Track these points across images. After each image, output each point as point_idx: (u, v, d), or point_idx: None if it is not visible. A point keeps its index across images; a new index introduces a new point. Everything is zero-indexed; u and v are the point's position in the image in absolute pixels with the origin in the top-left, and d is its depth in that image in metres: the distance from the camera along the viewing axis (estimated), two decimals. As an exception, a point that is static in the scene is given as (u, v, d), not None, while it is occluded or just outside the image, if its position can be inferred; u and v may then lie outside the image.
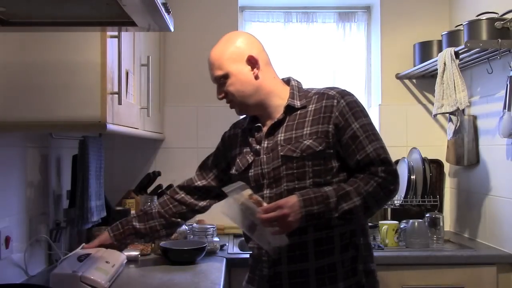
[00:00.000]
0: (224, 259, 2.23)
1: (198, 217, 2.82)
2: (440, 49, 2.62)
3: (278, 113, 1.67)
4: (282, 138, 1.64)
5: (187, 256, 2.13)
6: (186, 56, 2.96)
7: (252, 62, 1.68)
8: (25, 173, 1.87)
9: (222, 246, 2.42)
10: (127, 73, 1.75)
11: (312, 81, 3.08)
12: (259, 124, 1.72)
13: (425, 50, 2.80)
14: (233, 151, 1.79)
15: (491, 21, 2.25)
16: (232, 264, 2.25)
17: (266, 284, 1.65)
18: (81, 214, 1.93)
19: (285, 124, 1.66)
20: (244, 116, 1.85)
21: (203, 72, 2.95)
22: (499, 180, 2.44)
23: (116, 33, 1.49)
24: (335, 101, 1.61)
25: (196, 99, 2.96)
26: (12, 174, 1.78)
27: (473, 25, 2.30)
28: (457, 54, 2.36)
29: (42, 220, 1.99)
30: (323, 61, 3.18)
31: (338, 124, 1.58)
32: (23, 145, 1.87)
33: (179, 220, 1.92)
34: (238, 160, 1.75)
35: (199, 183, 1.91)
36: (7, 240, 1.69)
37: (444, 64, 2.40)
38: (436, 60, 2.48)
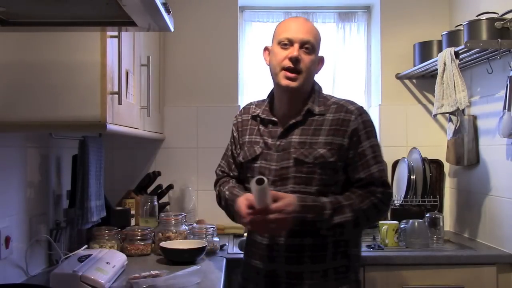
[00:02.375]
0: (224, 259, 2.23)
1: (198, 217, 2.84)
2: (440, 49, 2.62)
3: (298, 113, 1.71)
4: (296, 140, 1.68)
5: (187, 256, 2.13)
6: (186, 56, 2.96)
7: (321, 60, 1.78)
8: (25, 173, 1.87)
9: (222, 246, 2.42)
10: (127, 73, 1.75)
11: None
12: (275, 119, 1.75)
13: (425, 50, 2.80)
14: (243, 138, 1.81)
15: (491, 21, 2.25)
16: (232, 264, 2.25)
17: (263, 279, 1.71)
18: (81, 214, 1.93)
19: (301, 127, 1.69)
20: (254, 102, 1.86)
21: (203, 72, 2.99)
22: (499, 180, 2.44)
23: (116, 33, 1.49)
24: (353, 116, 1.66)
25: (196, 99, 2.97)
26: (12, 174, 1.79)
27: (473, 25, 2.30)
28: (457, 54, 2.36)
29: (42, 220, 1.99)
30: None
31: (351, 138, 1.65)
32: (23, 145, 1.87)
33: None
34: (246, 148, 1.78)
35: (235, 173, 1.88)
36: (7, 240, 1.69)
37: (444, 64, 2.40)
38: (436, 60, 2.48)
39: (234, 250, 2.45)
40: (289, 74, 1.66)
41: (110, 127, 1.49)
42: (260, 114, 1.78)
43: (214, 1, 2.98)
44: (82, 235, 2.22)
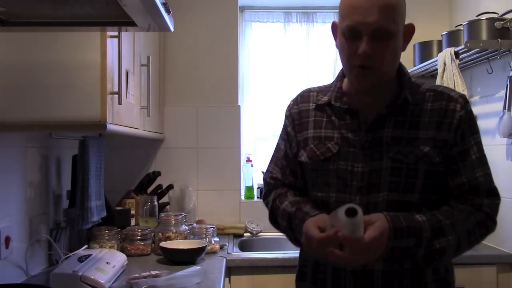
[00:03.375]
0: (224, 259, 2.23)
1: (198, 217, 2.84)
2: (440, 49, 2.62)
3: (385, 102, 1.32)
4: (389, 135, 1.30)
5: (187, 256, 2.13)
6: (186, 56, 2.96)
7: (410, 30, 1.32)
8: (25, 173, 1.87)
9: (222, 246, 2.42)
10: (127, 73, 1.75)
11: (312, 81, 3.08)
12: (355, 108, 1.35)
13: (425, 50, 2.80)
14: (304, 133, 1.41)
15: (491, 21, 2.25)
16: (232, 264, 2.25)
17: None
18: (81, 214, 1.93)
19: (394, 118, 1.31)
20: (314, 88, 1.48)
21: (203, 72, 2.99)
22: (499, 180, 2.41)
23: (116, 33, 1.49)
24: (459, 106, 1.31)
25: (196, 99, 2.96)
26: (12, 174, 1.78)
27: (473, 25, 2.30)
28: (457, 54, 2.36)
29: (42, 220, 1.99)
30: (323, 61, 3.18)
31: (456, 132, 1.29)
32: (23, 145, 1.87)
33: None
34: (312, 145, 1.38)
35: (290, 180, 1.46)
36: (7, 240, 1.69)
37: (444, 64, 2.40)
38: (436, 60, 2.48)
39: (234, 250, 2.46)
40: (361, 73, 1.27)
41: (110, 127, 1.49)
42: (332, 102, 1.38)
43: (214, 1, 2.98)
44: (82, 235, 2.22)
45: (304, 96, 1.47)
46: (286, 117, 1.48)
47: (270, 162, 1.52)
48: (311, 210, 1.31)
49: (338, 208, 1.14)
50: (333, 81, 1.44)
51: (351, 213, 1.12)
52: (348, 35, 1.25)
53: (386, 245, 1.16)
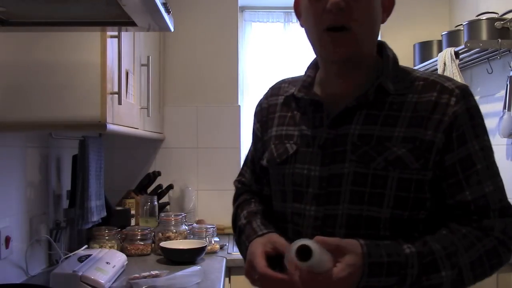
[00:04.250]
0: (224, 259, 2.23)
1: (198, 217, 2.84)
2: (440, 49, 2.62)
3: (356, 91, 1.06)
4: (357, 132, 1.04)
5: (187, 256, 2.13)
6: (186, 56, 2.96)
7: (389, 1, 1.14)
8: (25, 173, 1.87)
9: (222, 246, 2.42)
10: (127, 73, 1.75)
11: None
12: (319, 99, 1.10)
13: (425, 50, 2.80)
14: (269, 131, 1.19)
15: (491, 21, 2.25)
16: (232, 264, 2.25)
17: None
18: (81, 214, 1.93)
19: (365, 112, 1.04)
20: (288, 79, 1.25)
21: (203, 72, 2.98)
22: (499, 180, 2.44)
23: (116, 33, 1.49)
24: (453, 99, 1.02)
25: (196, 99, 2.96)
26: (12, 174, 1.78)
27: (473, 25, 2.30)
28: (457, 54, 2.36)
29: (42, 220, 1.99)
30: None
31: (450, 134, 1.00)
32: (23, 145, 1.87)
33: None
34: (273, 146, 1.15)
35: (254, 187, 1.29)
36: (7, 240, 1.69)
37: (444, 64, 2.40)
38: (436, 60, 2.48)
39: (234, 250, 2.45)
40: (333, 37, 1.02)
41: (110, 127, 1.49)
42: (295, 93, 1.14)
43: (214, 1, 2.98)
44: (82, 235, 2.22)
45: (275, 89, 1.24)
46: (255, 115, 1.26)
47: (243, 164, 1.35)
48: (259, 228, 1.10)
49: (292, 244, 0.90)
50: (306, 70, 1.19)
51: (304, 254, 0.87)
52: None
53: (357, 285, 0.93)
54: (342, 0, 0.99)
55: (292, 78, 1.24)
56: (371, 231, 1.00)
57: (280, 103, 1.20)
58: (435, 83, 1.05)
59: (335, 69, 1.09)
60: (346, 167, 1.02)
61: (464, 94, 1.05)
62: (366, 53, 1.08)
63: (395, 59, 1.11)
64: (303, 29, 1.14)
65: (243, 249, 1.15)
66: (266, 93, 1.27)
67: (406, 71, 1.10)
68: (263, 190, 1.23)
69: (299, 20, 1.14)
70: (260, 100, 1.27)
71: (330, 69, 1.11)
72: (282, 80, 1.26)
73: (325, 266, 0.90)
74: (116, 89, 1.54)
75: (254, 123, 1.26)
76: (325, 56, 1.09)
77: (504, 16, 2.27)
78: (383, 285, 0.94)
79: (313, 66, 1.18)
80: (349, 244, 0.94)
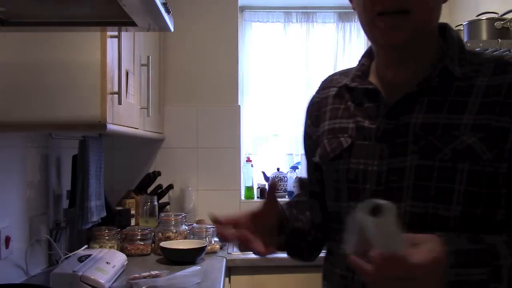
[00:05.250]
0: (224, 259, 2.23)
1: (198, 217, 2.84)
2: (440, 49, 2.62)
3: (417, 78, 0.95)
4: (419, 121, 0.93)
5: (187, 256, 2.13)
6: (186, 56, 2.96)
7: None
8: (25, 173, 1.87)
9: (222, 246, 2.42)
10: (127, 73, 1.75)
11: (312, 81, 3.08)
12: (375, 87, 1.00)
13: (425, 50, 2.80)
14: (321, 125, 1.10)
15: (491, 21, 2.25)
16: (232, 264, 2.25)
17: None
18: (81, 214, 1.93)
19: (428, 99, 0.94)
20: (339, 71, 1.16)
21: (203, 72, 2.99)
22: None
23: (116, 33, 1.49)
24: None
25: (196, 99, 2.96)
26: (12, 174, 1.78)
27: (473, 25, 2.30)
28: (457, 54, 2.36)
29: (42, 220, 1.99)
30: (323, 61, 3.18)
31: None
32: (23, 145, 1.87)
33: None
34: (326, 141, 1.06)
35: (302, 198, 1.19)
36: (7, 240, 1.69)
37: (444, 64, 2.40)
38: (436, 60, 2.48)
39: (234, 250, 2.45)
40: (388, 21, 0.92)
41: (110, 127, 1.49)
42: (348, 83, 1.06)
43: (214, 1, 2.98)
44: (82, 235, 2.22)
45: (326, 82, 1.15)
46: (306, 111, 1.17)
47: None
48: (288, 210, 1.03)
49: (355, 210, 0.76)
50: (360, 58, 1.10)
51: (375, 208, 0.73)
52: None
53: (443, 279, 0.76)
54: None
55: (345, 70, 1.15)
56: (438, 232, 0.82)
57: (332, 95, 1.10)
58: (509, 64, 0.94)
59: (392, 55, 0.99)
60: (408, 160, 0.91)
61: None
62: (428, 38, 0.97)
63: (460, 41, 1.00)
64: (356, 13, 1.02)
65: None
66: (318, 87, 1.17)
67: (474, 53, 1.00)
68: (321, 191, 1.11)
69: (351, 3, 1.03)
70: (312, 96, 1.17)
71: (386, 56, 1.01)
72: (334, 73, 1.18)
73: (401, 243, 0.73)
74: (116, 89, 1.54)
75: (305, 121, 1.16)
76: (381, 42, 0.98)
77: (504, 16, 2.27)
78: (475, 280, 0.79)
79: (367, 54, 1.08)
80: (421, 236, 0.78)
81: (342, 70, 1.15)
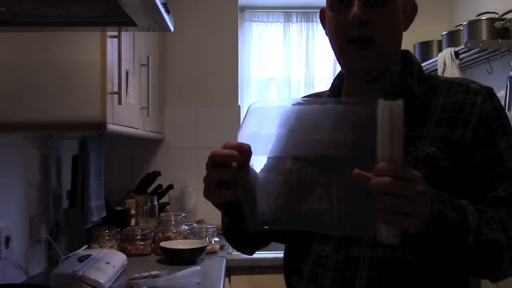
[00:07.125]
0: (224, 259, 2.23)
1: (198, 217, 2.84)
2: (440, 49, 2.62)
3: (385, 95, 1.01)
4: None
5: (187, 256, 2.13)
6: (186, 56, 2.96)
7: (412, 4, 1.18)
8: (25, 173, 1.87)
9: (222, 246, 2.42)
10: (127, 73, 1.75)
11: (312, 81, 3.08)
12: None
13: (425, 50, 2.80)
14: None
15: (491, 21, 2.25)
16: (232, 264, 2.25)
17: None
18: (81, 214, 1.93)
19: None
20: (314, 94, 1.30)
21: (203, 72, 2.99)
22: (499, 180, 2.44)
23: (116, 33, 1.49)
24: (480, 99, 1.05)
25: (196, 99, 2.97)
26: (12, 174, 1.79)
27: (473, 25, 2.30)
28: (457, 54, 2.36)
29: (42, 220, 1.99)
30: (323, 61, 3.18)
31: (478, 132, 1.03)
32: (23, 145, 1.87)
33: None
34: None
35: None
36: (7, 240, 1.69)
37: (444, 64, 2.40)
38: (436, 60, 2.48)
39: (234, 250, 2.45)
40: (356, 48, 1.04)
41: (110, 127, 1.49)
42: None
43: (214, 1, 2.99)
44: (82, 235, 2.22)
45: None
46: None
47: None
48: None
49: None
50: (333, 81, 1.22)
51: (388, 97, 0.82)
52: (333, 3, 1.05)
53: (431, 204, 0.86)
54: (363, 13, 1.01)
55: (319, 92, 1.30)
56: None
57: None
58: (461, 85, 1.08)
59: (360, 79, 1.11)
60: None
61: (490, 94, 1.07)
62: (391, 62, 1.10)
63: (419, 65, 1.15)
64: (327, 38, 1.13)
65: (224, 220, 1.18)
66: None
67: (430, 77, 1.14)
68: None
69: (324, 30, 1.15)
70: None
71: (355, 79, 1.13)
72: (308, 95, 1.31)
73: (401, 151, 0.82)
74: (116, 89, 1.54)
75: None
76: (349, 67, 1.10)
77: (504, 16, 2.27)
78: (450, 221, 0.88)
79: (339, 77, 1.20)
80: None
81: (316, 92, 1.31)
